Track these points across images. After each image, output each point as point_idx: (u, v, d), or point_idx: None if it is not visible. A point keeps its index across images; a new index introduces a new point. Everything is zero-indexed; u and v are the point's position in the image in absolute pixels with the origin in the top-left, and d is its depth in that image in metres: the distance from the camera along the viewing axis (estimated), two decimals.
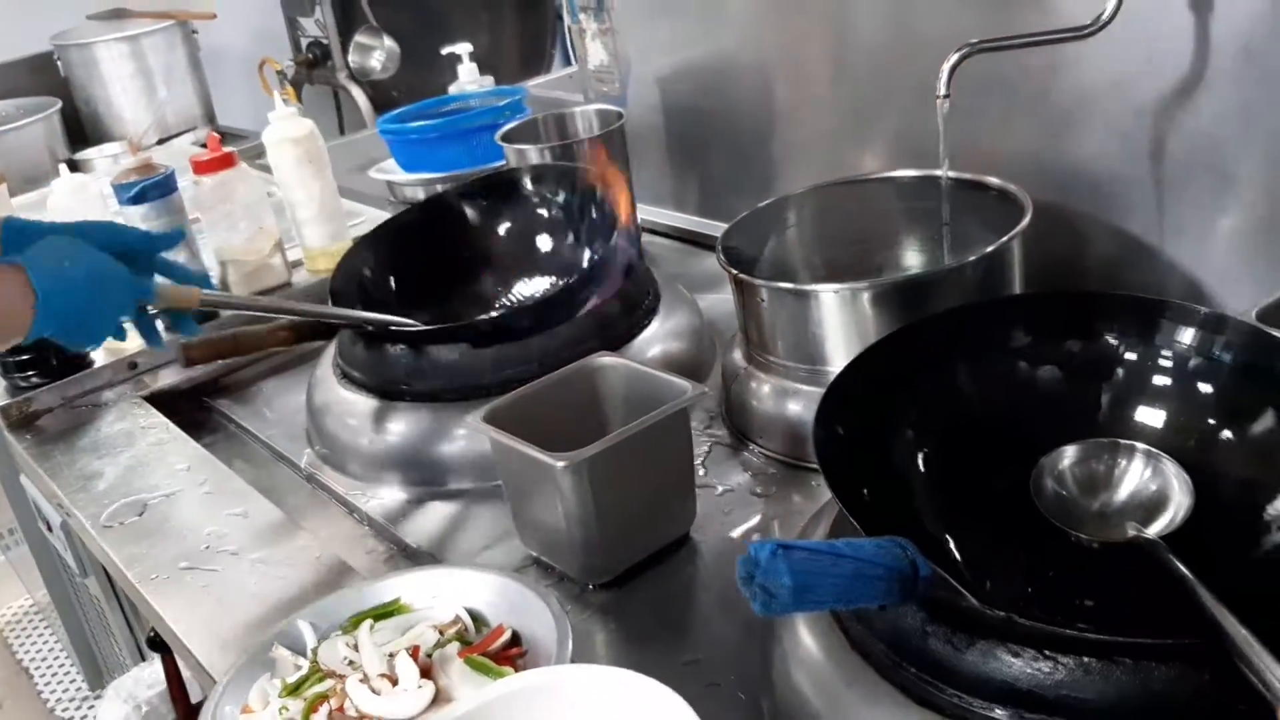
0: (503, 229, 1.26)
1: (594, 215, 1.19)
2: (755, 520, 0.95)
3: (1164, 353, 0.74)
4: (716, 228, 1.14)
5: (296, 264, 1.51)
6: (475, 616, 0.81)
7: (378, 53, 2.59)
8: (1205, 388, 0.73)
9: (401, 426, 1.07)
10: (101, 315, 0.94)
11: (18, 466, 1.34)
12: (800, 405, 1.00)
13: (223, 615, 0.91)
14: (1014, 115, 1.11)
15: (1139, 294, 0.81)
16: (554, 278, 1.22)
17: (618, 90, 1.56)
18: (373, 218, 1.58)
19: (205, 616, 0.91)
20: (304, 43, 2.72)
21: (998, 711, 0.59)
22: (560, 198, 1.23)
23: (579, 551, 0.87)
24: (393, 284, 1.20)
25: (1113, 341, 0.76)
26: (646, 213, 1.55)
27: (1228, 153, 0.97)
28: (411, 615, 0.80)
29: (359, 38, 2.61)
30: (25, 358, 1.30)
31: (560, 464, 0.81)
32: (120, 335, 0.98)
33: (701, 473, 1.03)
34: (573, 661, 0.73)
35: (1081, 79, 1.04)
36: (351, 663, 0.74)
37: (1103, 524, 0.72)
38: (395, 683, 0.72)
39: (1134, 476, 0.73)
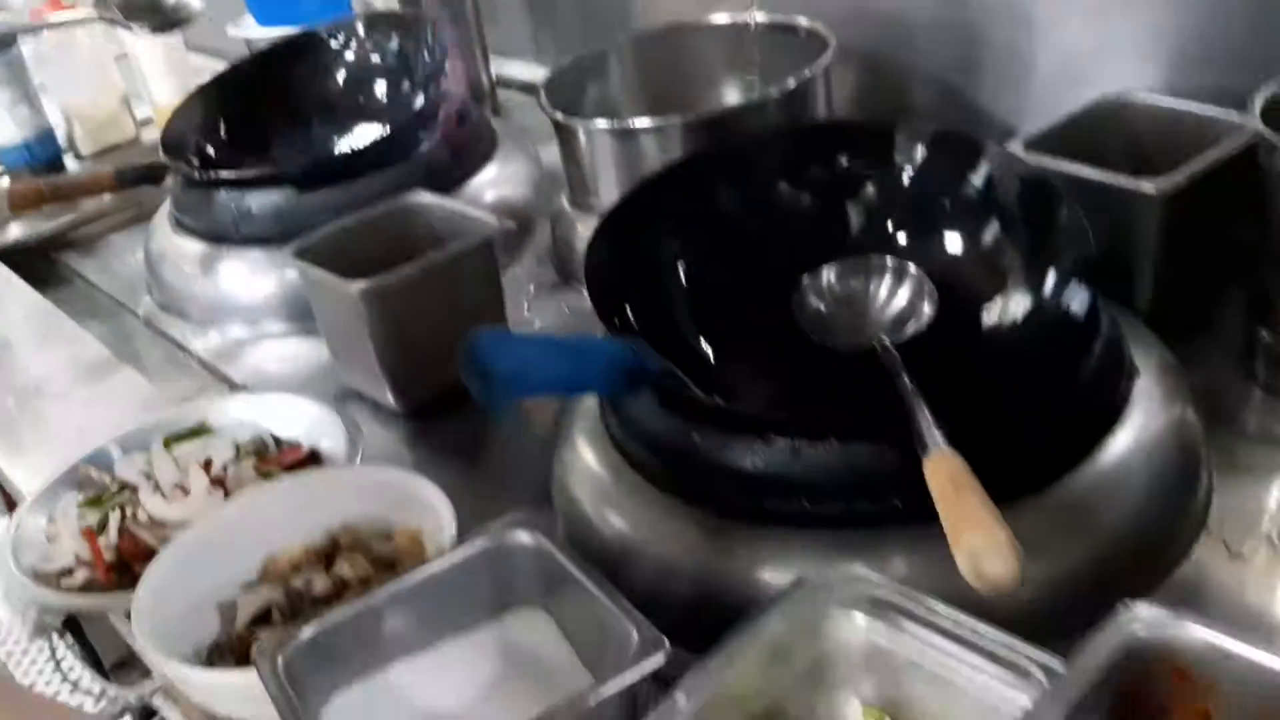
0: (340, 77, 1.27)
1: (427, 59, 1.20)
2: None
3: (905, 170, 0.79)
4: None
5: (146, 121, 1.50)
6: (279, 439, 0.85)
7: None
8: (944, 202, 0.78)
9: (231, 270, 1.09)
10: None
11: None
12: None
13: (46, 447, 0.94)
14: None
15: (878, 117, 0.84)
16: (390, 124, 1.23)
17: None
18: None
19: (27, 447, 0.94)
20: None
21: (722, 490, 0.65)
22: (393, 44, 1.24)
23: (387, 379, 0.91)
24: (223, 133, 1.20)
25: (859, 164, 0.80)
26: (505, 66, 1.56)
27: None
28: (215, 437, 0.84)
29: None
30: None
31: (356, 288, 0.85)
32: None
33: (525, 312, 1.06)
34: None
35: None
36: (149, 476, 0.78)
37: (856, 336, 0.78)
38: (188, 493, 0.76)
39: (885, 289, 0.79)
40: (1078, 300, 0.67)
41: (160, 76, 1.46)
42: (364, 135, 1.23)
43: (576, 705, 0.51)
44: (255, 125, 1.21)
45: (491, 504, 0.82)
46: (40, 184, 1.06)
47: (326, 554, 0.68)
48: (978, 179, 0.76)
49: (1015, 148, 0.85)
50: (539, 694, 0.57)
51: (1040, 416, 0.65)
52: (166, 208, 1.19)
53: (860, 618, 0.54)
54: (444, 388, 0.94)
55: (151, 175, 1.13)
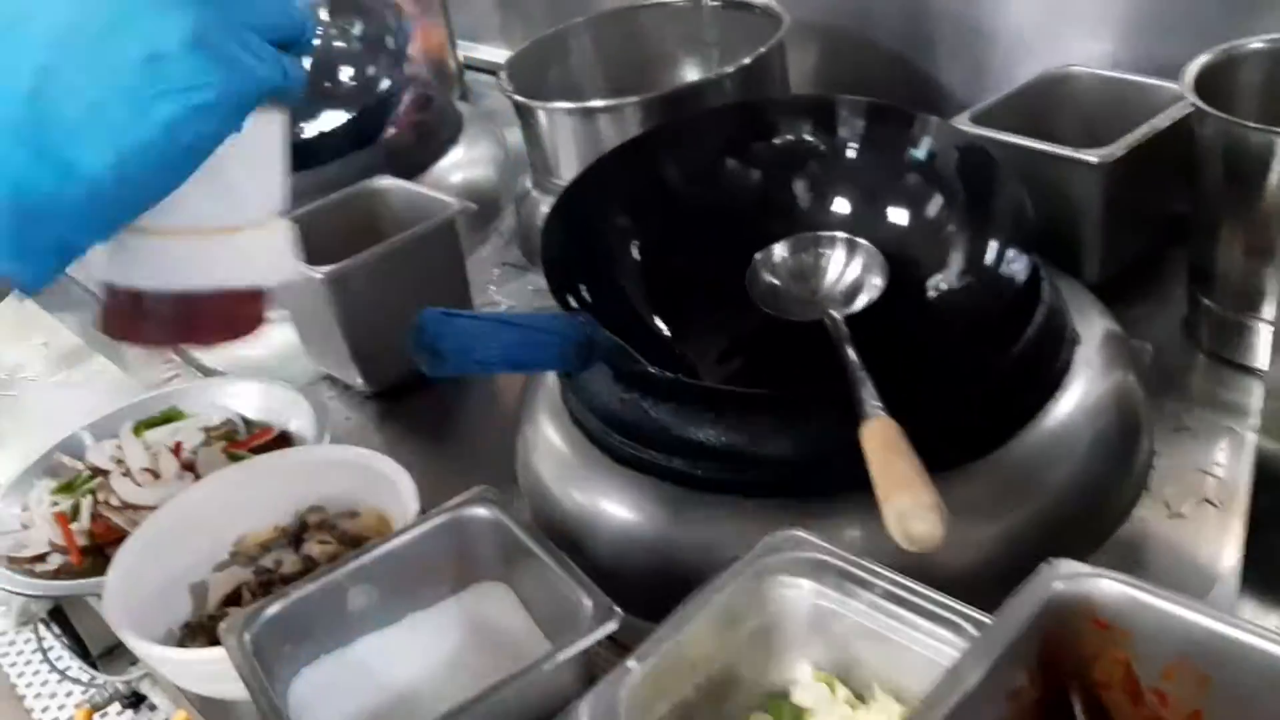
0: (305, 62, 1.27)
1: (390, 45, 1.21)
2: None
3: (849, 145, 0.81)
4: None
5: None
6: (250, 422, 0.86)
7: None
8: (885, 175, 0.80)
9: None
10: None
11: None
12: None
13: (19, 436, 0.95)
14: None
15: (818, 93, 0.86)
16: (354, 110, 1.24)
17: None
18: None
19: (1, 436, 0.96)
20: None
21: (676, 461, 0.67)
22: (356, 28, 1.24)
23: (354, 361, 0.93)
24: None
25: (807, 139, 0.82)
26: (474, 50, 1.57)
27: None
28: (185, 421, 0.85)
29: None
30: None
31: (320, 274, 0.86)
32: None
33: (492, 292, 1.08)
34: None
35: None
36: (119, 461, 0.80)
37: (808, 310, 0.79)
38: (158, 477, 0.78)
39: (837, 264, 0.80)
40: (1018, 268, 0.69)
41: None
42: (329, 121, 1.24)
43: (532, 672, 0.53)
44: None
45: (459, 482, 0.83)
46: None
47: (295, 534, 0.70)
48: (918, 151, 0.78)
49: (962, 121, 0.87)
50: (501, 664, 0.59)
51: (983, 384, 0.67)
52: None
53: (806, 583, 0.56)
54: (411, 368, 0.96)
55: None
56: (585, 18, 1.16)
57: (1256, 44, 0.77)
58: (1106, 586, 0.44)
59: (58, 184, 0.40)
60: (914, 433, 0.57)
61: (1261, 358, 0.77)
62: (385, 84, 1.18)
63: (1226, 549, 0.66)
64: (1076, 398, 0.69)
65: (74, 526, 0.75)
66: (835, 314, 0.74)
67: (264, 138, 0.49)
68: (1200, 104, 0.71)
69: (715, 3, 1.06)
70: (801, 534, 0.57)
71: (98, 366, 1.02)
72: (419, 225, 0.91)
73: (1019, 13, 1.01)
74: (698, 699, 0.54)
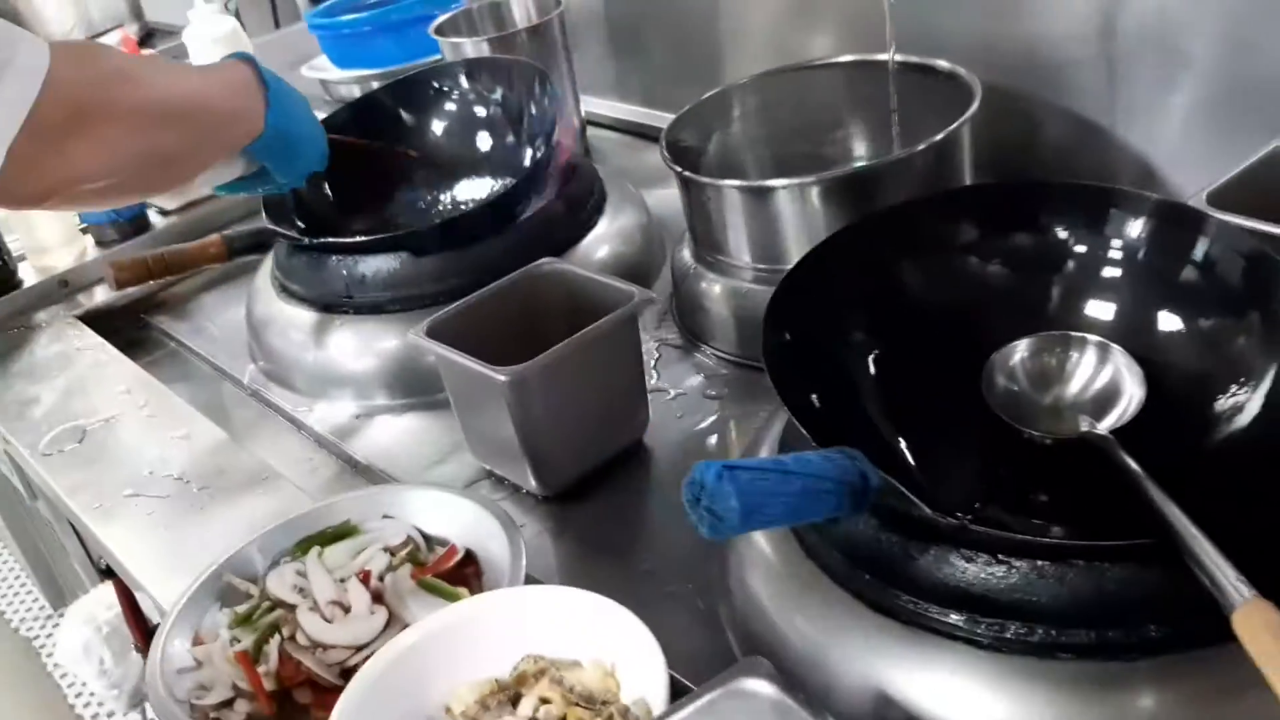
0: (439, 128, 1.22)
1: (533, 111, 1.15)
2: (709, 423, 0.94)
3: (1114, 242, 0.73)
4: (662, 118, 1.10)
5: None
6: (428, 536, 0.80)
7: None
8: (1155, 277, 0.72)
9: (345, 340, 1.04)
10: (314, 136, 1.00)
11: None
12: (751, 305, 0.98)
13: (170, 543, 0.89)
14: None
15: (1087, 182, 0.78)
16: (495, 178, 1.18)
17: None
18: None
19: (152, 545, 0.90)
20: None
21: (953, 616, 0.59)
22: (497, 94, 1.18)
23: (529, 464, 0.86)
24: (328, 190, 1.15)
25: (1061, 233, 0.74)
26: (589, 104, 1.51)
27: (1179, 29, 0.94)
28: (362, 538, 0.79)
29: None
30: None
31: (503, 378, 0.79)
32: (323, 165, 1.03)
33: (653, 377, 1.01)
34: (527, 577, 0.73)
35: None
36: (301, 590, 0.73)
37: (1055, 419, 0.72)
38: (347, 610, 0.71)
39: (1086, 369, 0.73)
40: None
41: None
42: (470, 190, 1.18)
43: None
44: (357, 181, 1.15)
45: (656, 600, 0.78)
46: (147, 258, 1.01)
47: (513, 688, 0.63)
48: (1196, 254, 0.70)
49: (1199, 203, 0.79)
50: None
51: None
52: (268, 270, 1.14)
53: None
54: (586, 469, 0.90)
55: (261, 243, 1.08)
56: (748, 78, 1.09)
57: None
58: None
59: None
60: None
61: None
62: (533, 153, 1.12)
63: None
64: None
65: (260, 668, 0.69)
66: (1102, 431, 0.67)
67: None
68: None
69: (897, 65, 0.99)
70: None
71: (247, 465, 0.95)
72: (601, 321, 0.84)
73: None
74: None
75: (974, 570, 0.59)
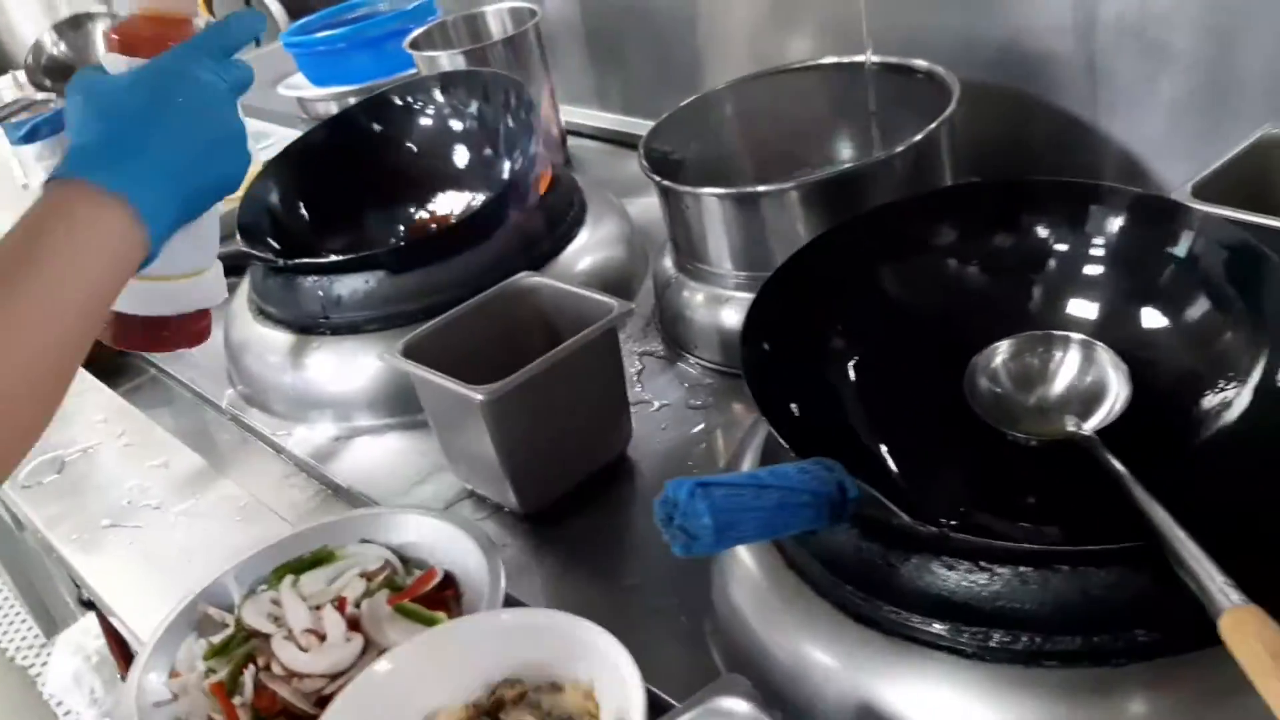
0: (416, 143, 1.20)
1: (510, 123, 1.13)
2: (694, 434, 0.93)
3: (1096, 239, 0.72)
4: (642, 126, 1.08)
5: None
6: (406, 559, 0.78)
7: None
8: (1139, 273, 0.71)
9: (323, 361, 1.03)
10: (223, 177, 0.70)
11: None
12: (734, 313, 0.96)
13: (148, 573, 0.88)
14: None
15: (1068, 178, 0.77)
16: (473, 192, 1.17)
17: None
18: (283, 138, 1.50)
19: (131, 576, 0.88)
20: None
21: (935, 625, 0.58)
22: (473, 107, 1.17)
23: (510, 483, 0.84)
24: (304, 211, 1.14)
25: (1042, 231, 0.73)
26: (568, 113, 1.49)
27: (1160, 22, 0.93)
28: (339, 564, 0.77)
29: None
30: None
31: (480, 397, 0.78)
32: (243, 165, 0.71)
33: (637, 388, 1.00)
34: (509, 597, 0.71)
35: None
36: (276, 619, 0.72)
37: (1039, 420, 0.70)
38: (323, 638, 0.70)
39: (1070, 369, 0.71)
40: None
41: None
42: (448, 204, 1.17)
43: None
44: (333, 200, 1.14)
45: (641, 619, 0.76)
46: None
47: (491, 713, 0.61)
48: (1178, 248, 0.68)
49: (1183, 195, 0.78)
50: None
51: None
52: (244, 293, 1.12)
53: None
54: (569, 486, 0.88)
55: (238, 266, 1.07)
56: (726, 84, 1.08)
57: None
58: None
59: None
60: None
61: None
62: (510, 165, 1.11)
63: None
64: None
65: (236, 700, 0.67)
66: (1088, 431, 0.66)
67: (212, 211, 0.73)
68: None
69: (875, 66, 0.98)
70: None
71: (226, 493, 0.94)
72: (581, 334, 0.82)
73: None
74: None
75: (956, 578, 0.58)
